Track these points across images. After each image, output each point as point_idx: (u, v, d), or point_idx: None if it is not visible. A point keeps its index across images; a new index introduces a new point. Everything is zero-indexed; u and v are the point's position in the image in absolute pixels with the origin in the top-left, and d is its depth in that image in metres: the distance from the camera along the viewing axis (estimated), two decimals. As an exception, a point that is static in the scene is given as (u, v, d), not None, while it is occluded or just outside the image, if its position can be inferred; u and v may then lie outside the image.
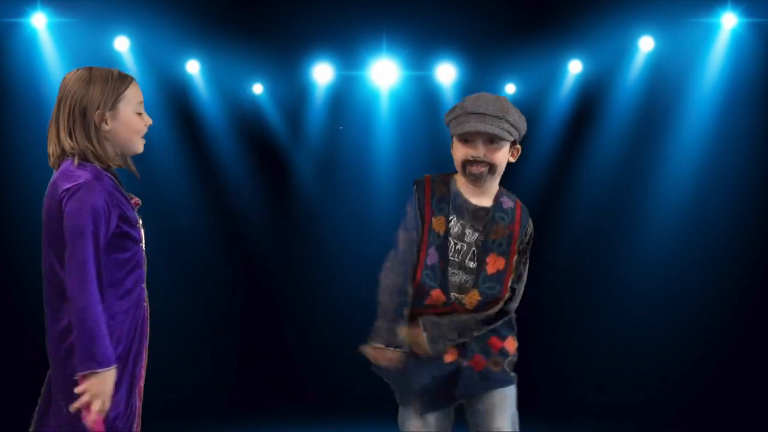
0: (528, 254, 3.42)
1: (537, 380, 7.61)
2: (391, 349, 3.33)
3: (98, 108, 2.94)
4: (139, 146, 3.06)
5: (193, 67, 7.56)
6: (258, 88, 7.90)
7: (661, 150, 7.33)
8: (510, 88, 7.78)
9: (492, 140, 3.27)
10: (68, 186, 2.84)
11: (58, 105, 2.97)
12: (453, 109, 3.35)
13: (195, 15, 7.04)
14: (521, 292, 3.41)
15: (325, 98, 7.90)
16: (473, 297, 3.26)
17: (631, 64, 7.31)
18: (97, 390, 2.78)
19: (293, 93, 7.89)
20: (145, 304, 3.02)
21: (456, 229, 3.31)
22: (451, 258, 3.29)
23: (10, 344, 6.99)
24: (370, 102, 7.94)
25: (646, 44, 7.20)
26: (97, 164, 2.92)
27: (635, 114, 7.38)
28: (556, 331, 7.82)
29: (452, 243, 3.30)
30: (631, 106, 7.38)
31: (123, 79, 3.01)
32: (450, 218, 3.32)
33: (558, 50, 7.34)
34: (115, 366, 2.82)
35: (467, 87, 7.70)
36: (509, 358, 3.40)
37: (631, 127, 7.39)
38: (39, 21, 6.95)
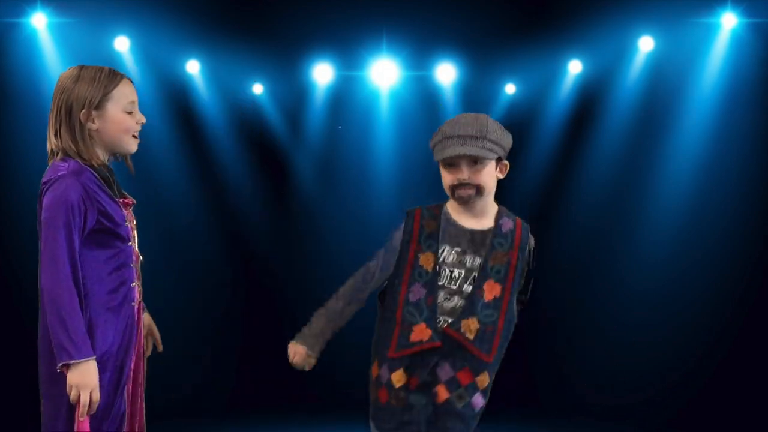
0: (529, 279, 3.36)
1: (537, 380, 7.62)
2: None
3: (83, 107, 2.91)
4: (130, 145, 3.01)
5: (193, 67, 7.56)
6: (258, 88, 7.90)
7: (661, 150, 7.33)
8: (510, 88, 7.78)
9: (475, 162, 3.22)
10: (47, 179, 2.85)
11: (51, 104, 2.96)
12: (435, 135, 3.30)
13: (195, 15, 7.04)
14: (527, 297, 3.36)
15: (325, 98, 7.90)
16: (472, 325, 3.20)
17: (631, 64, 7.31)
18: (78, 381, 2.75)
19: (293, 93, 7.89)
20: (134, 304, 2.97)
21: (451, 258, 3.26)
22: (447, 286, 3.23)
23: (10, 344, 7.00)
24: (370, 102, 7.95)
25: (645, 44, 7.20)
26: (80, 161, 2.90)
27: (635, 114, 7.39)
28: (556, 331, 7.82)
29: (447, 272, 3.24)
30: (631, 106, 7.38)
31: (112, 78, 2.97)
32: (441, 251, 3.26)
33: (558, 50, 7.34)
34: (93, 357, 2.78)
35: (467, 87, 7.71)
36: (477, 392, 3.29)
37: (631, 127, 7.40)
38: (39, 21, 6.95)
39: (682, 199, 7.26)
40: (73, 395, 2.76)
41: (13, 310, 7.05)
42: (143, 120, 3.04)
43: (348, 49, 7.60)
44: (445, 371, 3.22)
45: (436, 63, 7.63)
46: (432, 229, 3.29)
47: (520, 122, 7.46)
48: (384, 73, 7.65)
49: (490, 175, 3.27)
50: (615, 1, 6.92)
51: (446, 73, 7.63)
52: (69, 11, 6.97)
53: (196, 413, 7.44)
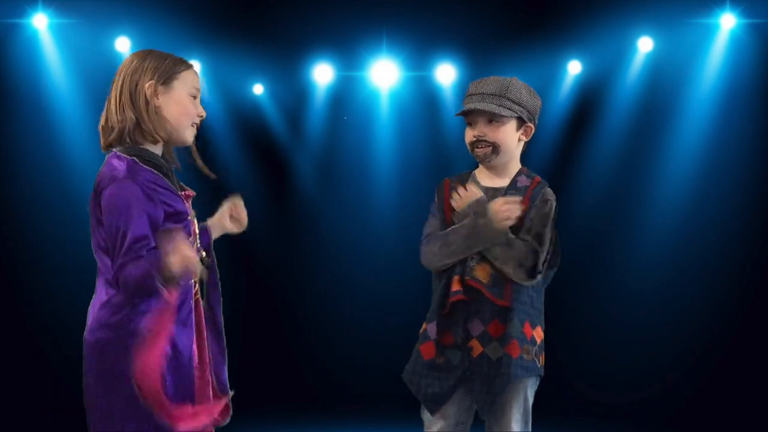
0: (549, 219, 3.30)
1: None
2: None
3: (150, 79, 2.82)
4: (187, 133, 2.90)
5: (194, 67, 7.56)
6: (258, 89, 7.92)
7: (660, 151, 7.35)
8: (510, 89, 7.80)
9: (492, 119, 3.25)
10: (103, 179, 2.75)
11: (113, 83, 2.85)
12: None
13: (196, 15, 7.05)
14: (543, 257, 3.24)
15: (325, 99, 7.92)
16: (486, 269, 3.23)
17: (630, 65, 7.33)
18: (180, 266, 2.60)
19: (293, 93, 7.91)
20: (192, 301, 2.84)
21: None
22: None
23: (10, 344, 7.01)
24: (370, 103, 7.96)
25: (645, 45, 7.22)
26: (141, 141, 2.79)
27: (634, 115, 7.40)
28: (556, 331, 7.79)
29: None
30: (630, 106, 7.40)
31: (181, 61, 2.91)
32: None
33: (557, 51, 7.36)
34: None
35: (467, 87, 7.71)
36: (534, 346, 3.34)
37: (630, 127, 7.41)
38: (40, 22, 6.97)
39: (680, 199, 7.28)
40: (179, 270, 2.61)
41: (15, 309, 7.07)
42: (203, 113, 2.94)
43: (348, 49, 7.61)
44: (475, 326, 3.25)
45: (436, 63, 7.65)
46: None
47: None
48: (384, 73, 7.67)
49: (508, 135, 3.28)
50: (614, 2, 6.94)
51: (446, 74, 7.65)
52: (70, 12, 6.99)
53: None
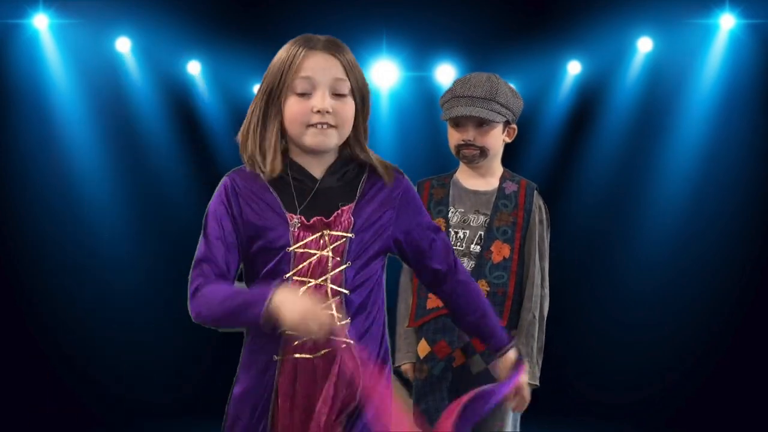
0: (542, 241, 3.38)
1: (536, 380, 7.64)
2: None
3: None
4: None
5: (194, 68, 7.58)
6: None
7: (659, 151, 7.36)
8: (509, 89, 7.80)
9: (482, 123, 3.24)
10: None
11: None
12: (446, 93, 3.33)
13: (196, 16, 7.06)
14: (537, 292, 3.35)
15: (325, 99, 7.91)
16: (482, 287, 3.16)
17: (630, 65, 7.34)
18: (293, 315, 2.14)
19: (294, 94, 7.91)
20: (299, 355, 2.30)
21: (455, 219, 3.28)
22: (453, 247, 3.23)
23: (10, 344, 7.02)
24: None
25: (644, 45, 7.22)
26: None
27: (634, 115, 7.41)
28: (556, 331, 7.80)
29: (452, 233, 3.26)
30: (630, 107, 7.40)
31: None
32: (449, 214, 3.29)
33: (557, 51, 7.36)
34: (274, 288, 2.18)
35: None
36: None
37: (630, 128, 7.42)
38: (41, 22, 6.97)
39: (680, 199, 7.28)
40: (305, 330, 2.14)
41: (15, 309, 7.08)
42: None
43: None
44: (461, 336, 3.20)
45: (436, 64, 7.65)
46: (441, 196, 3.32)
47: (519, 123, 7.46)
48: (384, 73, 7.67)
49: (496, 138, 3.28)
50: (614, 2, 6.95)
51: (446, 74, 7.65)
52: (70, 12, 6.99)
53: (196, 413, 7.45)
